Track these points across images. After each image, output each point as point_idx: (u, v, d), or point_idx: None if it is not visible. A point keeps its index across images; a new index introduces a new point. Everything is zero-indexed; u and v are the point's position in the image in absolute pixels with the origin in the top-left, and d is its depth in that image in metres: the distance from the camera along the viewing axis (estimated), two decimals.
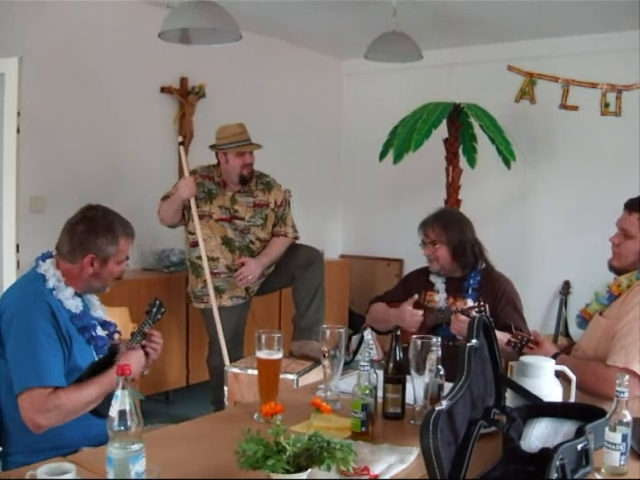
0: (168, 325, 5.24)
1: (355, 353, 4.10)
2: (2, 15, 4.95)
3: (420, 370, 2.47)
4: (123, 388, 1.75)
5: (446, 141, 6.13)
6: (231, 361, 4.56)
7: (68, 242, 2.76)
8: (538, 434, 2.13)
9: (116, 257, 2.79)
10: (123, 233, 2.80)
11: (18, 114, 4.37)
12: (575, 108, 6.42)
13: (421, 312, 3.65)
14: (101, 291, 2.90)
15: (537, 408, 2.26)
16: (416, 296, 3.76)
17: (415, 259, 4.33)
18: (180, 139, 5.11)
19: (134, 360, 2.66)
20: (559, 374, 2.41)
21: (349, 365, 3.32)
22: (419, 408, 2.47)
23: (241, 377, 4.09)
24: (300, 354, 4.41)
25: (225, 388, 4.17)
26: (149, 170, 5.94)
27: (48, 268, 2.71)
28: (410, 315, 3.66)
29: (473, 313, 3.42)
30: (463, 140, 6.14)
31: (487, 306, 3.44)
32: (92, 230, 2.75)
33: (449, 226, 3.77)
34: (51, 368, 2.48)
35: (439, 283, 3.80)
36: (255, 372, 3.91)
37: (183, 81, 6.20)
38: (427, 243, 3.78)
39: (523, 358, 2.45)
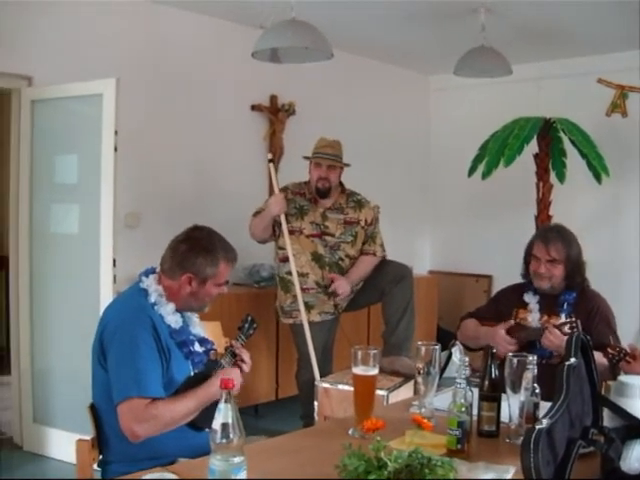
0: (258, 340, 5.30)
1: (443, 370, 4.08)
2: (100, 38, 5.13)
3: (516, 388, 2.44)
4: (226, 401, 1.77)
5: (536, 156, 6.06)
6: (320, 377, 4.59)
7: (170, 259, 2.82)
8: (638, 455, 2.09)
9: (215, 279, 2.82)
10: (224, 257, 2.84)
11: (115, 133, 4.48)
12: None
13: (514, 342, 3.51)
14: (199, 311, 2.95)
15: (636, 429, 2.21)
16: (512, 321, 3.62)
17: (504, 275, 4.28)
18: (270, 156, 5.18)
19: (232, 374, 2.70)
20: None
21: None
22: (514, 426, 2.45)
23: (331, 392, 4.11)
24: (390, 370, 4.40)
25: (315, 403, 4.20)
26: (240, 186, 6.05)
27: (150, 284, 2.78)
28: (503, 341, 3.50)
29: (565, 329, 3.36)
30: (552, 155, 6.06)
31: (579, 322, 3.37)
32: (193, 250, 2.80)
33: (572, 246, 3.61)
34: (151, 379, 2.53)
35: (533, 302, 3.67)
36: (345, 387, 3.96)
37: (273, 99, 6.31)
38: (544, 260, 3.60)
39: (621, 378, 2.40)
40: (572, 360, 2.07)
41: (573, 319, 3.41)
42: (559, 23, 5.70)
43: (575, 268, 3.61)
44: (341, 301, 4.99)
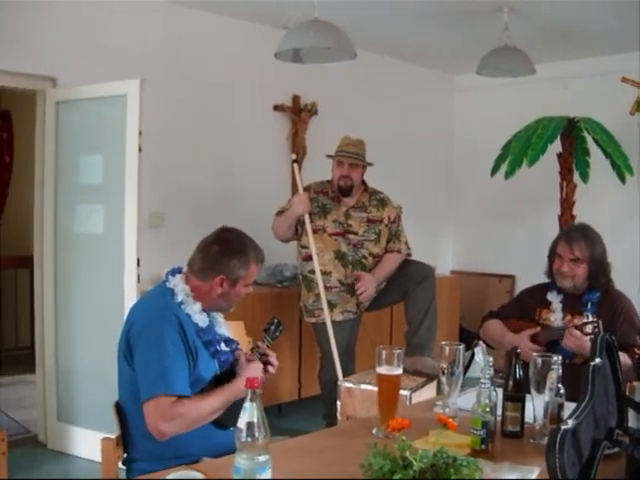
0: (281, 339, 5.21)
1: (466, 370, 4.07)
2: (124, 39, 5.17)
3: (540, 388, 2.43)
4: (251, 400, 1.77)
5: (560, 156, 6.02)
6: (343, 376, 4.59)
7: (201, 260, 2.83)
8: None
9: (245, 280, 2.85)
10: (255, 258, 2.87)
11: (139, 133, 4.51)
12: None
13: (540, 349, 3.48)
14: (226, 311, 2.97)
15: None
16: (538, 328, 3.61)
17: (527, 275, 4.26)
18: (293, 157, 5.19)
19: (254, 372, 2.71)
20: None
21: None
22: (539, 427, 2.44)
23: (354, 392, 4.10)
24: (413, 370, 4.39)
25: (338, 402, 4.20)
26: (263, 186, 6.07)
27: (177, 283, 2.79)
28: (528, 349, 3.42)
29: (587, 330, 3.35)
30: (576, 155, 6.03)
31: (600, 322, 3.35)
32: (225, 252, 2.82)
33: (595, 246, 3.60)
34: (177, 377, 2.54)
35: (556, 302, 3.66)
36: (368, 387, 3.96)
37: (295, 99, 6.33)
38: (567, 259, 3.60)
39: None
40: (597, 360, 2.06)
41: (594, 319, 3.41)
42: (583, 22, 5.67)
43: (599, 268, 3.60)
44: (364, 300, 4.99)
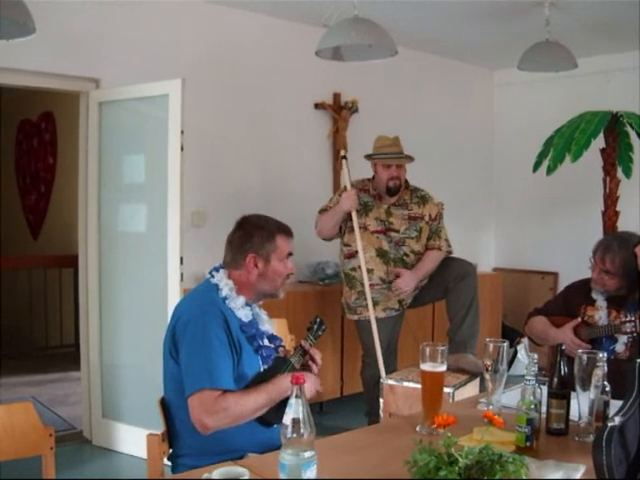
0: (323, 336, 5.30)
1: (509, 367, 4.05)
2: (165, 39, 5.22)
3: (585, 386, 2.41)
4: (297, 397, 1.78)
5: (603, 151, 5.95)
6: (385, 373, 4.59)
7: (229, 251, 2.89)
8: None
9: (277, 254, 2.86)
10: (277, 230, 2.89)
11: (182, 132, 4.53)
12: None
13: (583, 344, 3.48)
14: (274, 296, 2.96)
15: None
16: (579, 319, 3.61)
17: (570, 272, 4.22)
18: (342, 153, 5.15)
19: (309, 378, 2.70)
20: None
21: None
22: (584, 425, 2.42)
23: (397, 389, 4.11)
24: (456, 367, 4.39)
25: (380, 400, 4.20)
26: (305, 184, 6.10)
27: (221, 278, 2.82)
28: (572, 343, 3.48)
29: (626, 329, 3.32)
30: (619, 149, 5.95)
31: (638, 321, 3.33)
32: (247, 233, 2.87)
33: (628, 264, 3.46)
34: (222, 371, 2.56)
35: (601, 300, 3.63)
36: (411, 384, 3.96)
37: (336, 97, 6.33)
38: (598, 269, 3.58)
39: None
40: None
41: (633, 318, 3.38)
42: (624, 15, 5.58)
43: (631, 285, 3.51)
44: (405, 297, 4.98)
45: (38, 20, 3.50)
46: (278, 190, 5.93)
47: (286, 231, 2.93)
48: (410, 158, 4.96)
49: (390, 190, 4.93)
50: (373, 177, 5.03)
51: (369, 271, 4.89)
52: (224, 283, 2.80)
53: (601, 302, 3.64)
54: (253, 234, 2.85)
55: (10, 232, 8.78)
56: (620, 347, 3.49)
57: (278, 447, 1.81)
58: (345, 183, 4.93)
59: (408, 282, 4.87)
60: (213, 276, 2.85)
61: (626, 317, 3.47)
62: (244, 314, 2.78)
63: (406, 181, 5.05)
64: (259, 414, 2.61)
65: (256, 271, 2.84)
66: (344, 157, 5.02)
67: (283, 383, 2.60)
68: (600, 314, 3.61)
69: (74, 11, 4.78)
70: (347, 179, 4.91)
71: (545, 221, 7.46)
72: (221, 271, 2.86)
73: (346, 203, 4.83)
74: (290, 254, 2.93)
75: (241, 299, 2.80)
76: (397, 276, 4.88)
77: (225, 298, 2.77)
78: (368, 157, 5.01)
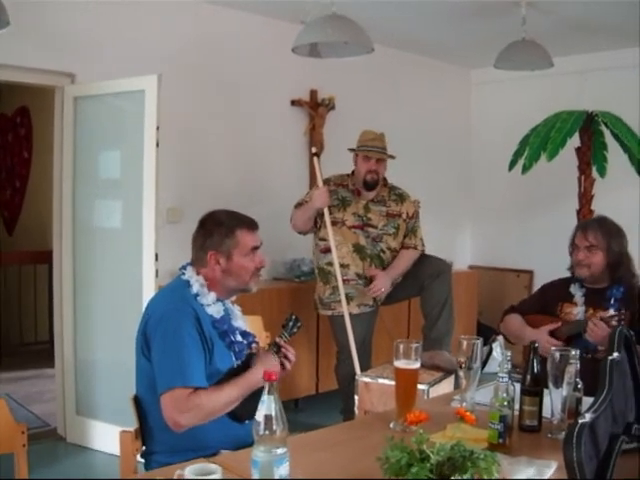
0: (298, 333, 5.29)
1: (484, 365, 4.06)
2: (142, 35, 5.19)
3: (558, 383, 2.42)
4: (269, 393, 1.78)
5: (579, 150, 5.99)
6: (359, 370, 4.59)
7: (194, 249, 2.90)
8: None
9: (239, 249, 2.84)
10: (237, 225, 2.86)
11: (157, 128, 4.51)
12: None
13: (559, 344, 3.42)
14: (245, 291, 2.93)
15: None
16: (559, 323, 3.58)
17: (546, 270, 4.23)
18: (314, 150, 5.16)
19: (269, 363, 2.70)
20: None
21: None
22: (556, 422, 2.43)
23: (372, 386, 4.11)
24: (431, 364, 4.39)
25: (355, 397, 4.20)
26: (281, 181, 6.09)
27: (192, 274, 2.82)
28: (547, 344, 3.37)
29: (613, 322, 3.32)
30: (594, 149, 5.99)
31: (627, 314, 3.33)
32: (206, 230, 2.86)
33: (612, 235, 3.58)
34: (194, 369, 2.56)
35: (579, 295, 3.63)
36: (386, 381, 3.96)
37: (313, 94, 6.32)
38: (583, 247, 3.58)
39: None
40: (615, 355, 2.06)
41: (622, 311, 3.37)
42: (600, 15, 5.63)
43: (618, 259, 3.57)
44: (376, 297, 5.00)
45: (13, 14, 3.47)
46: (254, 186, 5.91)
47: (249, 225, 2.90)
48: (391, 156, 4.98)
49: (367, 184, 4.93)
50: (353, 172, 5.04)
51: (345, 266, 4.90)
52: (194, 280, 2.80)
53: (579, 298, 3.63)
54: (213, 231, 2.84)
55: None
56: None
57: (251, 444, 1.80)
58: (318, 180, 4.94)
59: (384, 283, 4.89)
60: (184, 273, 2.85)
61: (605, 311, 3.47)
62: (215, 310, 2.78)
63: (384, 179, 5.06)
64: (231, 408, 2.61)
65: (219, 268, 2.83)
66: (315, 154, 5.03)
67: (254, 376, 2.59)
68: (578, 310, 3.61)
69: (49, 5, 4.73)
70: (318, 176, 4.92)
71: (521, 219, 7.51)
72: (189, 268, 2.86)
73: (318, 200, 4.84)
74: (256, 247, 2.90)
75: (212, 295, 2.80)
76: (372, 278, 4.89)
77: (196, 295, 2.77)
78: (351, 150, 5.03)
